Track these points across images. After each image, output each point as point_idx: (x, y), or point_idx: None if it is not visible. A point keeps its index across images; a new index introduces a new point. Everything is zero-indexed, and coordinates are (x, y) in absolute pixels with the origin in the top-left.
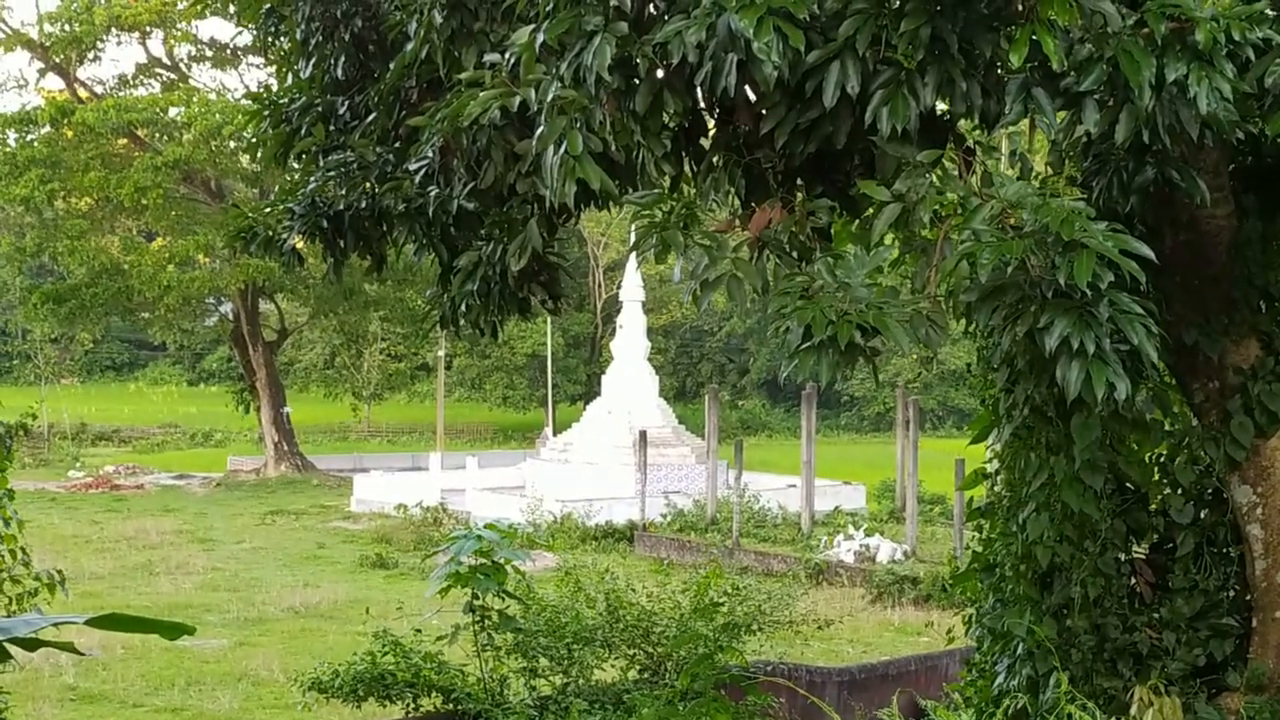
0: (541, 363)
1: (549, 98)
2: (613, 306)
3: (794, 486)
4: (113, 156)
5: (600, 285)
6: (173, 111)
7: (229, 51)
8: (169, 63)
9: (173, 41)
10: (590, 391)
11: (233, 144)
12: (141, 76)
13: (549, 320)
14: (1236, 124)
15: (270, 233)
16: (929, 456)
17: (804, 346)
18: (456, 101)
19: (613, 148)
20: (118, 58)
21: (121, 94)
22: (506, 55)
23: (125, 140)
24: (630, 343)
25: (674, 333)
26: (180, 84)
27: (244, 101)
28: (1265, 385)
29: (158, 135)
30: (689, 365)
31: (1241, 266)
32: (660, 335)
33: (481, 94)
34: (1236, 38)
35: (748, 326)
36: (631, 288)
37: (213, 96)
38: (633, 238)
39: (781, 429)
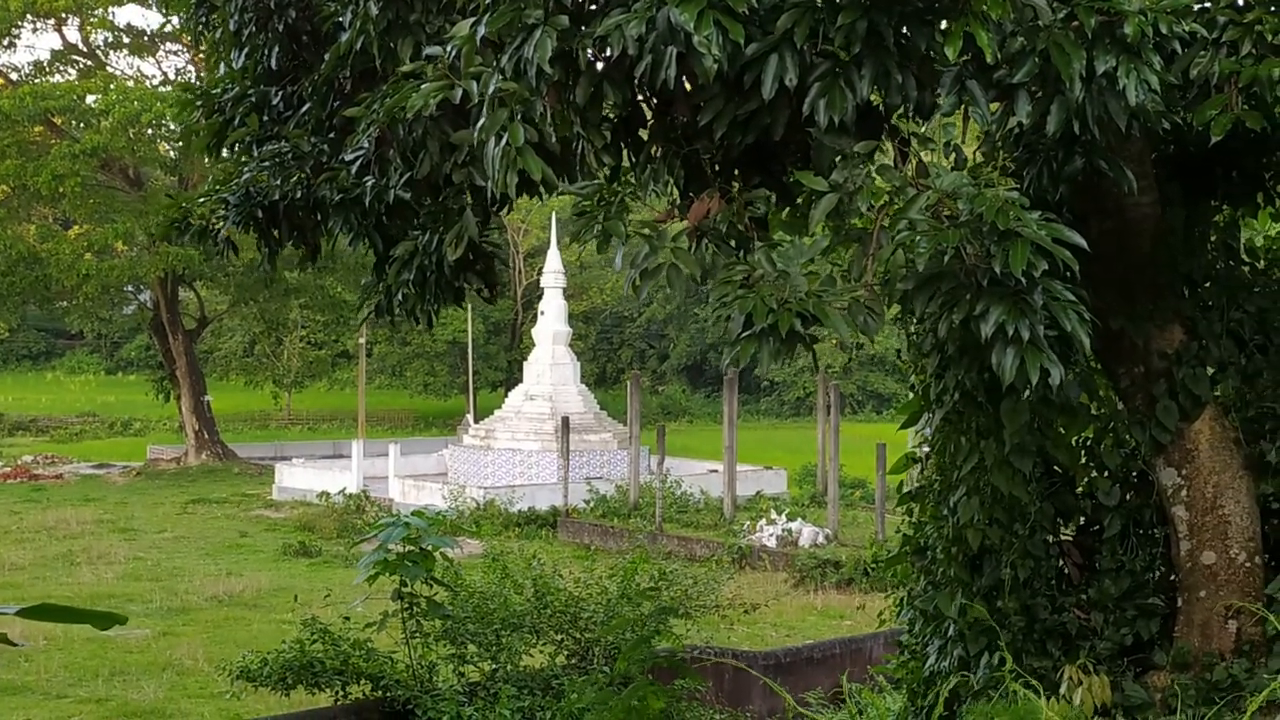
0: (462, 349)
1: (490, 90)
2: (533, 293)
3: (715, 472)
4: (29, 144)
5: (520, 272)
6: (90, 99)
7: (146, 38)
8: (85, 49)
9: (90, 28)
10: (511, 378)
11: (150, 131)
12: (58, 64)
13: (469, 307)
14: (1163, 114)
15: (204, 223)
16: (849, 441)
17: (745, 335)
18: (399, 93)
19: (551, 139)
20: (33, 44)
21: (38, 81)
22: (448, 48)
23: (41, 128)
24: (551, 329)
25: (594, 318)
26: (97, 71)
27: (163, 89)
28: (1189, 370)
29: (75, 123)
30: (609, 351)
31: (1165, 253)
32: (580, 321)
33: (424, 86)
34: (1164, 30)
35: (668, 312)
36: (552, 274)
37: (130, 84)
38: (554, 225)
39: (702, 414)
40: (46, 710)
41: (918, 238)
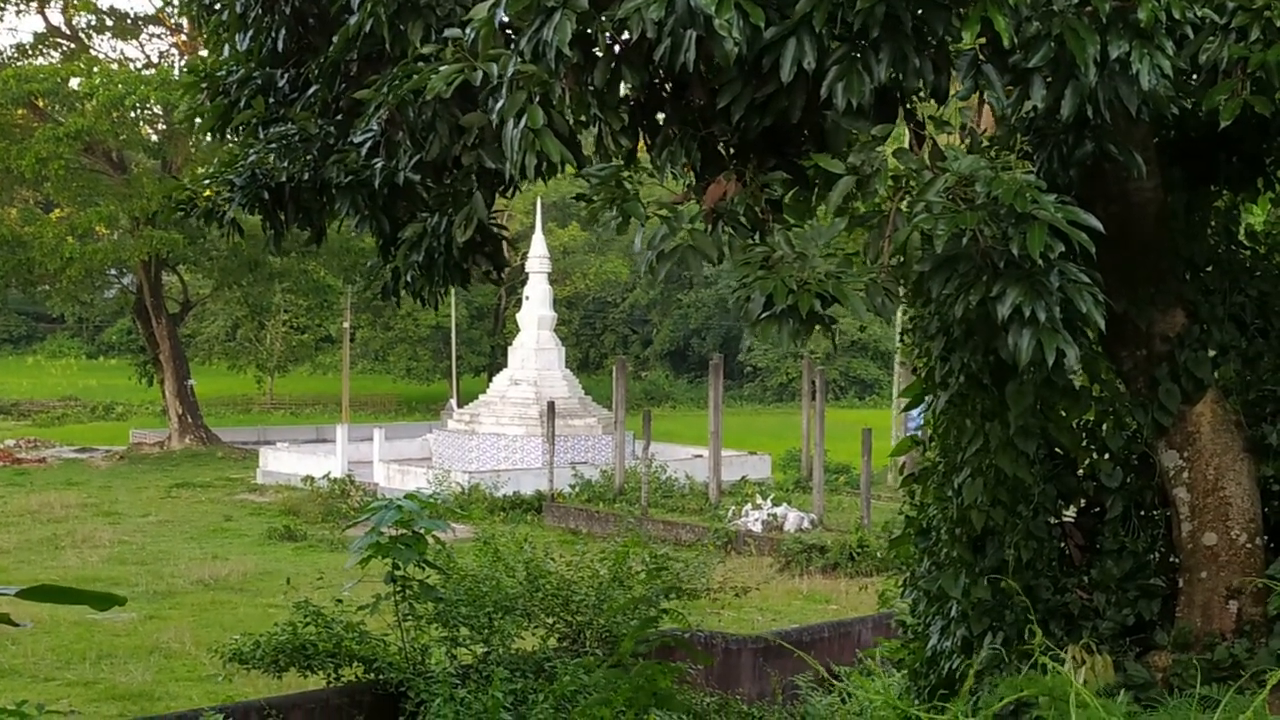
0: (445, 334)
1: (509, 72)
2: (516, 278)
3: (700, 457)
4: (12, 127)
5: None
6: (74, 82)
7: (129, 21)
8: (69, 32)
9: (73, 11)
10: (494, 363)
11: (134, 115)
12: (41, 46)
13: (453, 292)
14: (1172, 99)
15: (209, 204)
16: (833, 427)
17: (765, 315)
18: (417, 75)
19: (568, 122)
20: (15, 26)
21: (20, 64)
22: (467, 30)
23: (24, 110)
24: (536, 314)
25: (578, 304)
26: (81, 54)
27: (146, 72)
28: (1191, 353)
29: (58, 106)
30: (593, 336)
31: (1168, 238)
32: (564, 306)
33: (442, 69)
34: (1176, 15)
35: (651, 298)
36: (537, 259)
37: (114, 67)
38: (539, 210)
39: (685, 399)
40: (35, 693)
41: (936, 220)
